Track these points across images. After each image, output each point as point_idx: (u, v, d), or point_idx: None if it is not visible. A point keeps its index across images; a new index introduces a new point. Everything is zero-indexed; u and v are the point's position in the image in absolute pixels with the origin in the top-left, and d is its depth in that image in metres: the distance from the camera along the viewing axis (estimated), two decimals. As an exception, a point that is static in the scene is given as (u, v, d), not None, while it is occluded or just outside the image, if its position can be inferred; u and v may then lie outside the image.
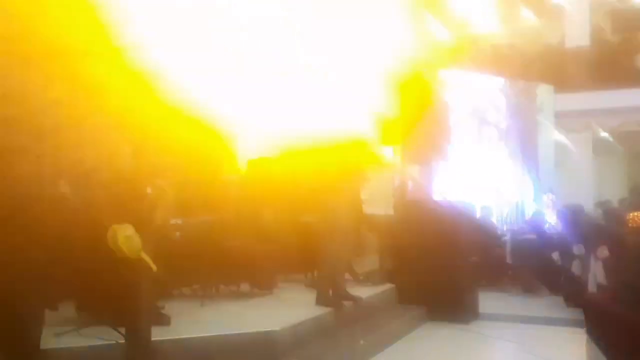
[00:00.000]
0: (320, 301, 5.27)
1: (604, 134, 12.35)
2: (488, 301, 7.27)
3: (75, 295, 4.33)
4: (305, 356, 4.29)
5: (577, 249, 6.84)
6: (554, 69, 12.23)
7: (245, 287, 5.93)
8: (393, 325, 5.76)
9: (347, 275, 6.93)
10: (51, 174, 5.46)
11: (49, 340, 3.58)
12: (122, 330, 3.62)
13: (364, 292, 6.10)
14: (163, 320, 4.25)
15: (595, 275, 6.33)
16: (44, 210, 3.34)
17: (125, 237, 3.20)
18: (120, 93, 6.75)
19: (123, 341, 3.58)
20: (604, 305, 1.91)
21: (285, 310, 5.04)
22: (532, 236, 8.74)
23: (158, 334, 3.75)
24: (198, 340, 4.02)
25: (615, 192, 10.73)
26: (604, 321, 1.76)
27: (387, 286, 6.74)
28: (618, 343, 1.74)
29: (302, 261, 6.56)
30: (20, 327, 3.10)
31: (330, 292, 5.38)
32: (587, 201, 9.58)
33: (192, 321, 4.51)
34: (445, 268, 6.53)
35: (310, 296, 5.46)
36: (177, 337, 4.01)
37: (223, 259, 5.60)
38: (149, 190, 3.49)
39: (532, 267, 8.51)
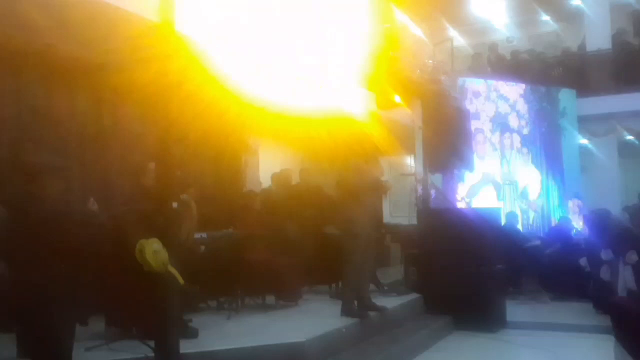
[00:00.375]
0: (346, 312, 5.28)
1: (630, 137, 12.16)
2: (516, 309, 7.19)
3: (105, 310, 4.40)
4: (332, 367, 4.30)
5: (605, 255, 6.71)
6: (576, 73, 12.13)
7: (270, 299, 5.96)
8: (420, 335, 5.73)
9: (371, 287, 6.93)
10: (80, 192, 5.61)
11: (80, 355, 3.65)
12: (151, 343, 3.67)
13: (389, 302, 6.09)
14: (191, 333, 4.30)
15: (625, 280, 6.21)
16: (74, 227, 3.43)
17: (153, 251, 3.25)
18: (144, 109, 6.91)
19: (152, 355, 3.62)
20: (631, 308, 1.87)
21: (311, 322, 5.05)
22: (558, 244, 8.66)
23: (186, 347, 3.79)
24: (225, 352, 4.05)
25: (643, 196, 10.52)
26: (631, 324, 1.73)
27: (413, 296, 6.71)
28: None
29: (327, 273, 6.57)
30: (53, 342, 3.17)
31: (356, 303, 5.38)
32: (615, 205, 9.43)
33: (219, 334, 4.55)
34: (471, 277, 6.48)
35: (335, 307, 5.47)
36: (205, 350, 4.04)
37: (248, 272, 5.65)
38: (175, 205, 3.55)
39: (560, 274, 8.41)
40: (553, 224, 10.45)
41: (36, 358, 3.26)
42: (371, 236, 5.43)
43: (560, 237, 9.05)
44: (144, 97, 6.74)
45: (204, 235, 5.53)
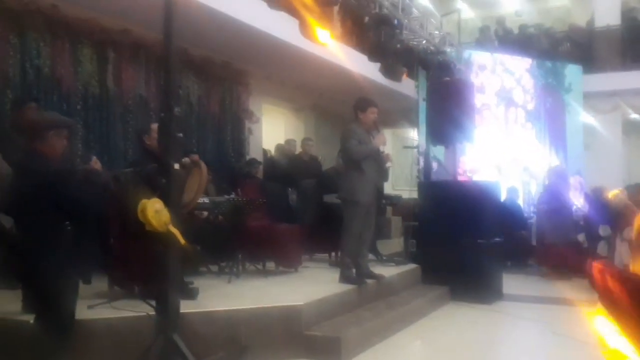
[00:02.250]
0: (344, 279, 5.36)
1: (634, 115, 12.12)
2: (512, 283, 7.28)
3: (108, 268, 4.48)
4: (329, 329, 4.37)
5: (603, 230, 6.79)
6: (583, 49, 12.01)
7: (270, 265, 6.04)
8: (416, 303, 5.81)
9: (370, 256, 7.01)
10: (83, 151, 5.65)
11: (83, 312, 3.73)
12: (153, 302, 3.73)
13: (387, 271, 6.19)
14: (191, 293, 4.38)
15: (622, 256, 6.29)
16: (77, 185, 3.47)
17: (154, 211, 3.28)
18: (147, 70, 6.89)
19: (153, 313, 3.69)
20: (609, 271, 1.93)
21: (309, 287, 5.12)
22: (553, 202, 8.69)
23: (186, 307, 3.86)
24: (224, 313, 4.12)
25: (645, 174, 10.55)
26: (613, 288, 1.78)
27: (411, 266, 6.79)
28: (627, 308, 1.77)
29: (326, 241, 6.65)
30: (57, 299, 3.24)
31: (354, 271, 5.46)
32: (617, 183, 9.45)
33: (219, 296, 4.62)
34: (469, 249, 6.54)
35: (333, 274, 5.56)
36: (204, 309, 4.12)
37: (249, 238, 5.72)
38: (177, 166, 3.58)
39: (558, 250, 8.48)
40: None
41: (40, 313, 3.32)
42: (372, 205, 5.48)
43: (553, 195, 9.03)
44: (148, 58, 6.77)
45: (206, 200, 5.58)
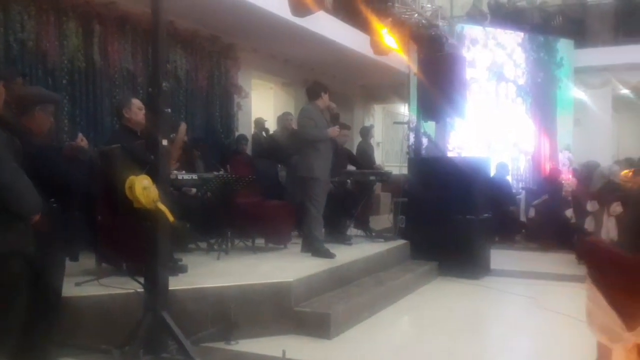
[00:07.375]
0: (317, 253, 5.42)
1: (625, 91, 12.12)
2: (500, 258, 7.34)
3: (95, 246, 4.45)
4: (318, 305, 4.39)
5: (591, 206, 6.83)
6: (575, 23, 11.95)
7: (260, 242, 6.04)
8: (404, 279, 5.84)
9: (360, 232, 7.03)
10: (69, 127, 5.57)
11: (70, 289, 3.71)
12: (141, 279, 3.72)
13: (376, 247, 6.20)
14: (180, 269, 4.37)
15: (608, 231, 6.34)
16: (63, 162, 3.42)
17: (142, 187, 3.25)
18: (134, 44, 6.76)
19: (141, 290, 3.68)
20: (600, 247, 1.94)
21: (299, 263, 5.13)
22: (546, 195, 8.79)
23: (175, 284, 3.86)
24: (214, 289, 4.12)
25: (635, 149, 10.59)
26: (603, 263, 1.79)
27: (400, 242, 6.82)
28: (616, 283, 1.78)
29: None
30: (43, 276, 3.21)
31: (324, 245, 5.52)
32: (606, 159, 9.50)
33: (208, 272, 4.61)
34: (457, 225, 6.57)
35: (323, 251, 5.55)
36: (193, 286, 4.11)
37: (239, 214, 5.70)
38: (164, 142, 3.53)
39: (545, 225, 8.56)
40: (543, 175, 10.54)
41: (27, 291, 3.29)
42: (327, 182, 5.59)
43: (548, 188, 9.16)
44: (134, 32, 6.65)
45: (195, 176, 5.53)
